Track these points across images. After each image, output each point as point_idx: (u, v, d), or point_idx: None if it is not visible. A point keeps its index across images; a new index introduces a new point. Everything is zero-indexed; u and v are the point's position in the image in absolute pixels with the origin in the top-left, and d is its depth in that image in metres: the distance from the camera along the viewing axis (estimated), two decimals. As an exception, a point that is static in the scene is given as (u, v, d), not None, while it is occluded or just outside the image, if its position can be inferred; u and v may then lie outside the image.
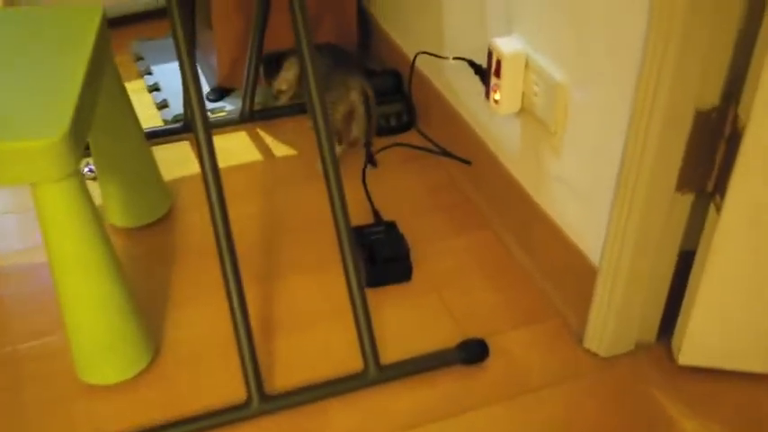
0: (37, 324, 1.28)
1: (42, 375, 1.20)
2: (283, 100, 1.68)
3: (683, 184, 1.07)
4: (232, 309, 1.11)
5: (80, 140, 1.04)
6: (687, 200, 1.09)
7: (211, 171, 1.10)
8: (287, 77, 1.64)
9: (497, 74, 1.24)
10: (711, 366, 1.19)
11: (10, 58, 1.13)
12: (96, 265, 1.09)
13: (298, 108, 1.75)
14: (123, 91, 1.34)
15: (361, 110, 1.55)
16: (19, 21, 1.23)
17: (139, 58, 1.97)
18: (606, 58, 1.06)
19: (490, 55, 1.24)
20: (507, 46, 1.22)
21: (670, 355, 1.21)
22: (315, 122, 1.13)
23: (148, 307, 1.31)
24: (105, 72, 1.25)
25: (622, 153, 1.06)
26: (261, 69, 1.67)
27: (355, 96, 1.53)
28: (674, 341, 1.20)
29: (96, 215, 1.08)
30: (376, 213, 1.46)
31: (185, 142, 1.69)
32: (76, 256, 1.07)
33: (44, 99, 1.04)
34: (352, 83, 1.54)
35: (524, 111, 1.27)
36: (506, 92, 1.24)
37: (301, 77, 1.50)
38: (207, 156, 1.09)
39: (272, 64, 1.66)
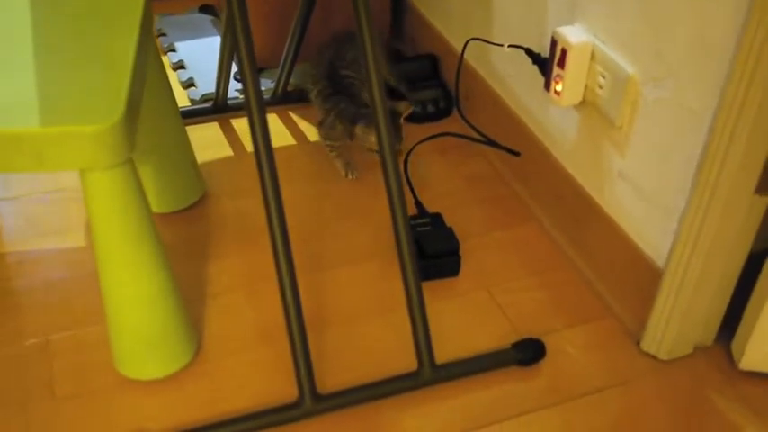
0: (70, 314, 1.23)
1: (77, 368, 1.15)
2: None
3: (763, 185, 1.03)
4: (285, 303, 1.06)
5: (134, 124, 0.98)
6: (764, 202, 1.05)
7: (266, 155, 1.04)
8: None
9: (561, 64, 1.18)
10: (774, 372, 1.16)
11: (57, 36, 1.06)
12: (145, 258, 1.03)
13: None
14: (162, 68, 1.28)
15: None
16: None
17: (162, 34, 1.89)
18: (688, 53, 1.01)
19: (554, 44, 1.19)
20: (574, 35, 1.17)
21: (730, 359, 1.18)
22: (372, 101, 1.07)
23: (188, 297, 1.26)
24: (151, 48, 1.18)
25: (702, 153, 1.01)
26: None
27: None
28: (735, 345, 1.16)
29: (146, 205, 1.02)
30: (419, 204, 1.41)
31: (214, 124, 1.63)
32: (125, 247, 1.01)
33: (96, 80, 0.98)
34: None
35: (585, 103, 1.22)
36: (570, 83, 1.19)
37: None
38: (261, 139, 1.03)
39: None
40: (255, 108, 1.03)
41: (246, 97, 1.02)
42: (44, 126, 0.91)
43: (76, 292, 1.26)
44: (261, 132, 1.03)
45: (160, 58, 1.27)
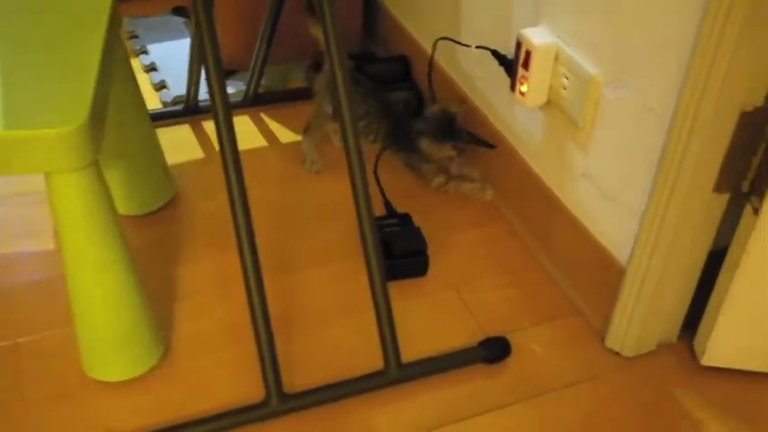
0: (38, 317, 1.23)
1: (46, 371, 1.15)
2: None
3: (721, 184, 1.05)
4: (251, 304, 1.07)
5: (99, 128, 0.98)
6: (723, 200, 1.07)
7: (232, 157, 1.05)
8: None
9: (525, 66, 1.20)
10: (736, 367, 1.17)
11: (22, 39, 1.06)
12: (111, 260, 1.04)
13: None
14: (130, 71, 1.28)
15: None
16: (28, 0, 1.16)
17: (133, 36, 1.89)
18: (647, 54, 1.03)
19: (519, 46, 1.21)
20: (538, 37, 1.18)
21: (692, 356, 1.20)
22: (339, 103, 1.08)
23: (157, 299, 1.26)
24: (118, 52, 1.19)
25: (661, 152, 1.03)
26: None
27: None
28: (698, 341, 1.18)
29: (112, 207, 1.03)
30: (388, 205, 1.42)
31: (185, 126, 1.63)
32: (91, 250, 1.02)
33: (61, 83, 0.98)
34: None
35: (550, 104, 1.24)
36: (534, 84, 1.21)
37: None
38: (227, 141, 1.04)
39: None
40: (222, 111, 1.04)
41: (212, 99, 1.03)
42: (9, 129, 0.92)
43: (46, 294, 1.27)
44: (227, 134, 1.04)
45: (129, 62, 1.27)
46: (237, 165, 1.05)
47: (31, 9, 1.13)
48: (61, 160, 0.94)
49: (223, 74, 1.05)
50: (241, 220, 1.06)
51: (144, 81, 1.76)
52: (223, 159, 1.04)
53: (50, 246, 1.36)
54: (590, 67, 1.13)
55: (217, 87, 1.03)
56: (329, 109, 1.48)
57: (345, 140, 1.09)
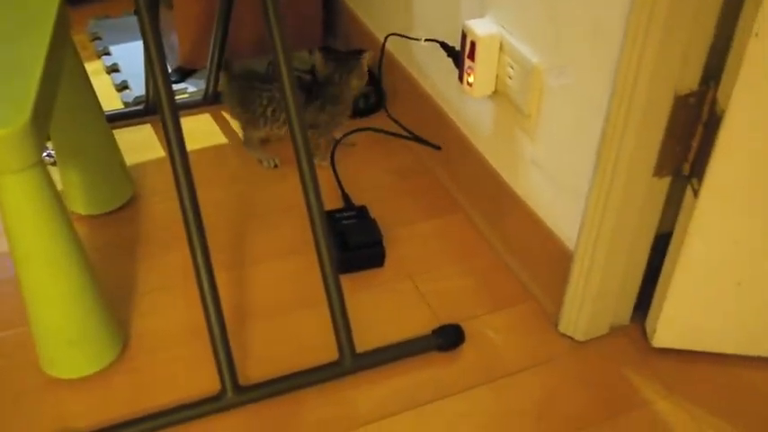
0: (-2, 317, 1.24)
1: (4, 370, 1.16)
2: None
3: (661, 168, 1.06)
4: (203, 298, 1.08)
5: (42, 128, 0.99)
6: (664, 183, 1.09)
7: (179, 155, 1.06)
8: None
9: (471, 56, 1.21)
10: (685, 348, 1.19)
11: (-35, 41, 1.08)
12: (61, 258, 1.05)
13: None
14: (83, 72, 1.29)
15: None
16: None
17: (96, 38, 1.90)
18: (583, 41, 1.05)
19: (464, 37, 1.22)
20: (482, 28, 1.20)
21: (644, 337, 1.22)
22: (285, 99, 1.10)
23: (115, 297, 1.27)
24: (65, 53, 1.20)
25: (600, 138, 1.05)
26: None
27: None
28: (648, 323, 1.20)
29: (61, 206, 1.04)
30: (346, 198, 1.43)
31: (147, 126, 1.64)
32: (41, 248, 1.03)
33: (3, 84, 0.99)
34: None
35: (498, 94, 1.26)
36: (480, 75, 1.22)
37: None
38: (175, 140, 1.06)
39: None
40: (168, 109, 1.05)
41: (159, 101, 1.05)
42: (-50, 133, 0.93)
43: (5, 295, 1.27)
44: (174, 134, 1.06)
45: (81, 64, 1.28)
46: (185, 160, 1.06)
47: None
48: (5, 161, 0.95)
49: (168, 73, 1.06)
50: (190, 216, 1.07)
51: (106, 82, 1.77)
52: (171, 157, 1.06)
53: (3, 248, 1.36)
54: (532, 56, 1.15)
55: (162, 87, 1.04)
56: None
57: (293, 132, 1.10)
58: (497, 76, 1.23)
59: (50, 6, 1.15)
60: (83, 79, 1.29)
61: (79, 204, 1.39)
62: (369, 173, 1.53)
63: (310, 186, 1.12)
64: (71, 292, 1.07)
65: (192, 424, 1.09)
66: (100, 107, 1.34)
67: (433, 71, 1.47)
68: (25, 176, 0.98)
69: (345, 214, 1.35)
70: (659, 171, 1.07)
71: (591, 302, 1.17)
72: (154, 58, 1.05)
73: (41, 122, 0.99)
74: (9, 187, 0.98)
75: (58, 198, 1.03)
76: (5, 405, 1.12)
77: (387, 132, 1.62)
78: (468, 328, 1.22)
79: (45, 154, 1.52)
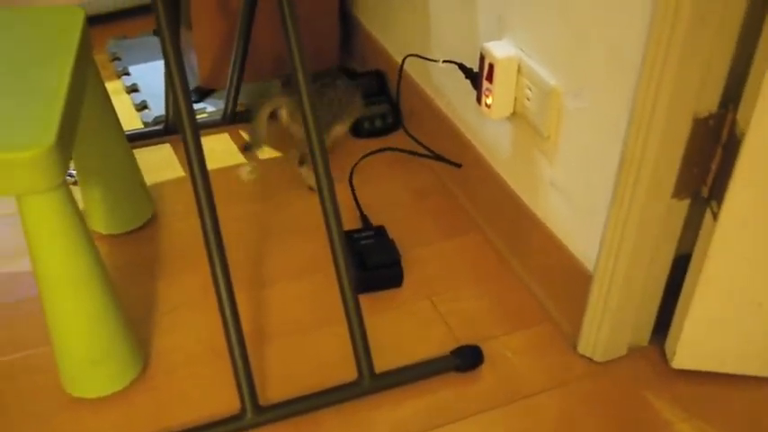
0: (19, 337, 1.25)
1: (27, 390, 1.17)
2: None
3: (680, 190, 1.07)
4: (224, 318, 1.09)
5: (67, 149, 1.01)
6: (683, 205, 1.09)
7: (200, 175, 1.07)
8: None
9: (489, 78, 1.22)
10: (705, 370, 1.19)
11: (-8, 65, 1.10)
12: (84, 278, 1.06)
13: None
14: (105, 93, 1.31)
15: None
16: (-2, 24, 1.19)
17: (116, 58, 1.92)
18: (601, 63, 1.06)
19: (482, 59, 1.23)
20: (500, 50, 1.21)
21: (663, 359, 1.21)
22: (304, 119, 1.11)
23: (135, 316, 1.28)
24: (89, 74, 1.21)
25: (619, 160, 1.05)
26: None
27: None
28: (668, 345, 1.20)
29: (84, 226, 1.05)
30: (364, 218, 1.44)
31: (166, 145, 1.66)
32: (64, 268, 1.04)
33: (29, 106, 1.01)
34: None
35: (516, 115, 1.26)
36: (498, 96, 1.23)
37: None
38: (196, 160, 1.07)
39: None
40: (190, 130, 1.06)
41: (180, 122, 1.06)
42: (-22, 154, 0.94)
43: (24, 314, 1.29)
44: (195, 152, 1.07)
45: (103, 84, 1.30)
46: (206, 180, 1.07)
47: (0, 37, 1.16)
48: (30, 182, 0.96)
49: (190, 94, 1.07)
50: (211, 237, 1.08)
51: (126, 102, 1.78)
52: (192, 177, 1.07)
53: (27, 267, 1.38)
54: (550, 79, 1.15)
55: (184, 107, 1.06)
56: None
57: (312, 153, 1.11)
58: (516, 98, 1.24)
59: (74, 27, 1.17)
60: (105, 99, 1.31)
61: (100, 224, 1.40)
62: (387, 192, 1.54)
63: (330, 207, 1.12)
64: (94, 312, 1.08)
65: (211, 444, 1.10)
66: (121, 127, 1.36)
67: (450, 92, 1.48)
68: (50, 197, 0.99)
69: (363, 234, 1.36)
70: (678, 193, 1.07)
71: (610, 324, 1.17)
72: (175, 78, 1.06)
73: (66, 144, 1.00)
74: (33, 208, 0.99)
75: (81, 218, 1.04)
76: (27, 425, 1.12)
77: (407, 152, 1.63)
78: (486, 349, 1.22)
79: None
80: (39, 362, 1.21)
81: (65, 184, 1.00)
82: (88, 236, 1.06)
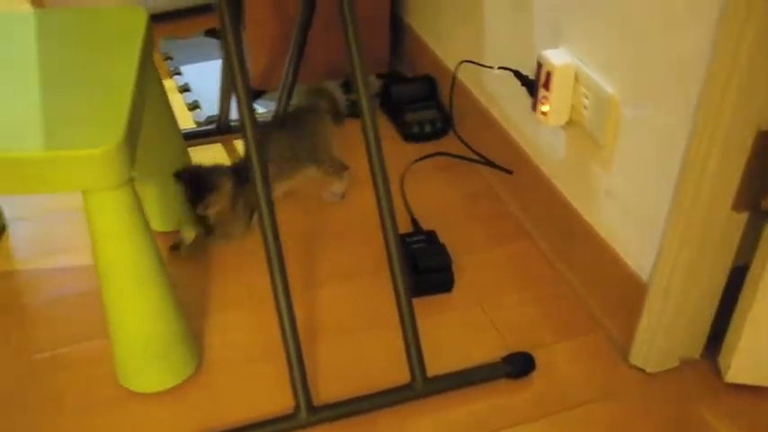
0: (76, 329, 1.27)
1: (84, 381, 1.19)
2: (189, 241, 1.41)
3: (740, 202, 1.06)
4: (280, 317, 1.10)
5: (133, 147, 1.03)
6: (742, 218, 1.08)
7: (260, 175, 1.08)
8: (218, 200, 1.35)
9: (546, 86, 1.22)
10: (759, 384, 1.18)
11: (60, 64, 1.12)
12: (146, 274, 1.08)
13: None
14: (163, 91, 1.33)
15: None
16: (63, 22, 1.21)
17: (168, 58, 1.95)
18: (662, 72, 1.05)
19: (539, 67, 1.23)
20: (558, 58, 1.21)
21: (716, 372, 1.20)
22: (363, 123, 1.12)
23: (190, 313, 1.30)
24: (151, 72, 1.23)
25: (680, 171, 1.05)
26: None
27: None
28: (722, 358, 1.19)
29: (146, 223, 1.07)
30: (415, 222, 1.45)
31: (218, 145, 1.68)
32: (126, 263, 1.06)
33: (98, 104, 1.03)
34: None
35: (572, 123, 1.26)
36: (555, 104, 1.23)
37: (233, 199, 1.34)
38: (255, 159, 1.08)
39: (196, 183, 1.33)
40: (250, 129, 1.07)
41: (241, 120, 1.07)
42: (49, 150, 0.96)
43: (83, 307, 1.31)
44: (255, 153, 1.08)
45: (161, 83, 1.32)
46: (265, 182, 1.08)
47: (68, 32, 1.18)
48: (99, 179, 0.98)
49: (251, 94, 1.09)
50: (270, 237, 1.09)
51: (178, 101, 1.81)
52: (252, 177, 1.08)
53: (86, 261, 1.40)
54: (608, 87, 1.15)
55: (245, 107, 1.07)
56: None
57: (370, 158, 1.12)
58: (572, 106, 1.24)
59: (138, 26, 1.19)
60: (163, 98, 1.33)
61: (156, 221, 1.42)
62: (436, 197, 1.55)
63: (386, 210, 1.13)
64: (155, 307, 1.10)
65: (265, 441, 1.11)
66: (177, 126, 1.38)
67: (502, 98, 1.49)
68: (116, 194, 1.01)
69: (415, 238, 1.36)
70: (738, 205, 1.06)
71: (664, 335, 1.17)
72: (238, 78, 1.07)
73: (133, 141, 1.02)
74: (99, 204, 1.01)
75: (143, 216, 1.06)
76: (83, 416, 1.14)
77: (459, 157, 1.63)
78: (537, 357, 1.22)
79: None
80: (95, 355, 1.23)
81: (131, 181, 1.02)
82: (150, 232, 1.08)
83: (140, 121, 1.09)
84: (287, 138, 1.43)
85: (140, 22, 1.20)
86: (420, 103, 1.71)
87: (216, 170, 1.35)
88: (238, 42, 1.06)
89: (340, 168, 1.50)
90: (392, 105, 1.72)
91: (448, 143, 1.68)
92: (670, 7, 1.02)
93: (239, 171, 1.37)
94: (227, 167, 1.38)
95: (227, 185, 1.34)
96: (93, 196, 1.00)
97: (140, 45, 1.15)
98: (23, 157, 0.96)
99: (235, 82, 1.07)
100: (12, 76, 1.09)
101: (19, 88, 1.06)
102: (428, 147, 1.67)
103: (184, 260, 1.40)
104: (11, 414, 1.15)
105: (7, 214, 1.50)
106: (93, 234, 1.04)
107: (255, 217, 1.29)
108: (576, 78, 1.21)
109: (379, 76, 1.85)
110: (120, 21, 1.21)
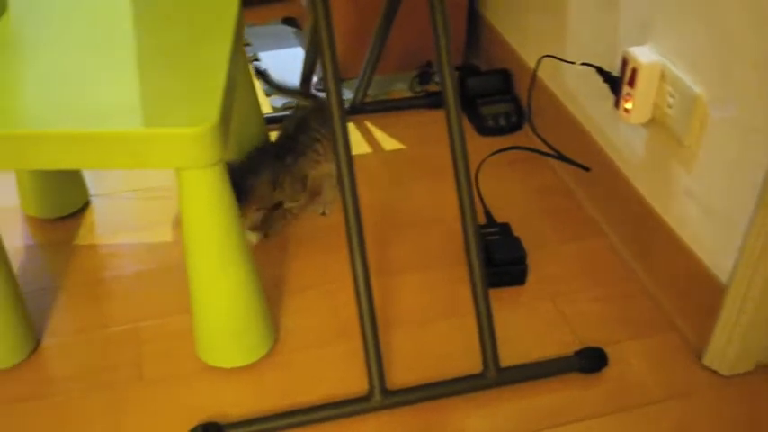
0: (157, 303, 1.31)
1: (163, 354, 1.23)
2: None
3: (828, 206, 1.05)
4: (359, 301, 1.12)
5: (227, 127, 1.06)
6: (829, 223, 1.07)
7: (346, 160, 1.10)
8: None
9: (631, 83, 1.22)
10: (836, 392, 1.17)
11: (157, 45, 1.15)
12: (232, 252, 1.11)
13: (406, 102, 1.76)
14: (249, 76, 1.36)
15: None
16: (161, 3, 1.25)
17: (247, 44, 1.99)
18: (754, 72, 1.05)
19: (624, 64, 1.23)
20: (644, 56, 1.20)
21: (791, 378, 1.20)
22: (447, 115, 1.13)
23: (268, 293, 1.33)
24: (240, 57, 1.26)
25: (765, 173, 1.04)
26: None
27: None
28: (798, 364, 1.18)
29: (234, 203, 1.10)
30: (488, 214, 1.46)
31: (293, 130, 1.71)
32: (215, 241, 1.09)
33: (194, 84, 1.06)
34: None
35: (654, 122, 1.26)
36: (639, 102, 1.23)
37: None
38: (342, 146, 1.10)
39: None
40: (338, 117, 1.10)
41: (330, 107, 1.09)
42: (147, 127, 1.00)
43: (163, 283, 1.35)
44: (342, 140, 1.10)
45: (248, 67, 1.35)
46: (351, 170, 1.10)
47: (164, 15, 1.22)
48: (194, 157, 1.01)
49: (340, 80, 1.11)
50: (352, 222, 1.11)
51: (256, 87, 1.84)
52: (337, 163, 1.10)
53: (167, 238, 1.44)
54: (695, 86, 1.15)
55: (334, 92, 1.09)
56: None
57: (453, 147, 1.13)
58: (656, 105, 1.23)
59: (231, 8, 1.21)
60: (249, 81, 1.36)
61: (234, 202, 1.46)
62: (510, 190, 1.55)
63: (467, 202, 1.14)
64: (239, 284, 1.13)
65: (338, 422, 1.13)
66: (260, 109, 1.41)
67: (581, 94, 1.49)
68: (209, 173, 1.04)
69: (489, 230, 1.38)
70: (826, 210, 1.05)
71: (741, 338, 1.16)
72: (328, 66, 1.09)
73: (227, 121, 1.05)
74: (193, 182, 1.04)
75: (232, 196, 1.09)
76: (164, 386, 1.18)
77: (536, 151, 1.64)
78: (609, 353, 1.22)
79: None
80: (176, 328, 1.27)
81: (223, 162, 1.05)
82: (236, 212, 1.11)
83: (233, 102, 1.12)
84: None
85: (233, 3, 1.23)
86: (495, 96, 1.71)
87: (251, 166, 1.36)
88: (331, 34, 1.08)
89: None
90: (467, 98, 1.73)
91: (522, 137, 1.69)
92: (761, 6, 1.01)
93: (278, 150, 1.39)
94: (269, 147, 1.41)
95: (263, 180, 1.36)
96: (188, 174, 1.04)
97: (233, 27, 1.18)
98: (124, 134, 1.00)
99: (325, 72, 1.09)
100: (112, 56, 1.12)
101: (119, 67, 1.10)
102: (502, 141, 1.68)
103: (262, 242, 1.43)
104: (94, 381, 1.19)
105: (91, 190, 1.55)
106: (183, 211, 1.07)
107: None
108: (662, 77, 1.21)
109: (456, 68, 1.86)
110: (215, 3, 1.24)
